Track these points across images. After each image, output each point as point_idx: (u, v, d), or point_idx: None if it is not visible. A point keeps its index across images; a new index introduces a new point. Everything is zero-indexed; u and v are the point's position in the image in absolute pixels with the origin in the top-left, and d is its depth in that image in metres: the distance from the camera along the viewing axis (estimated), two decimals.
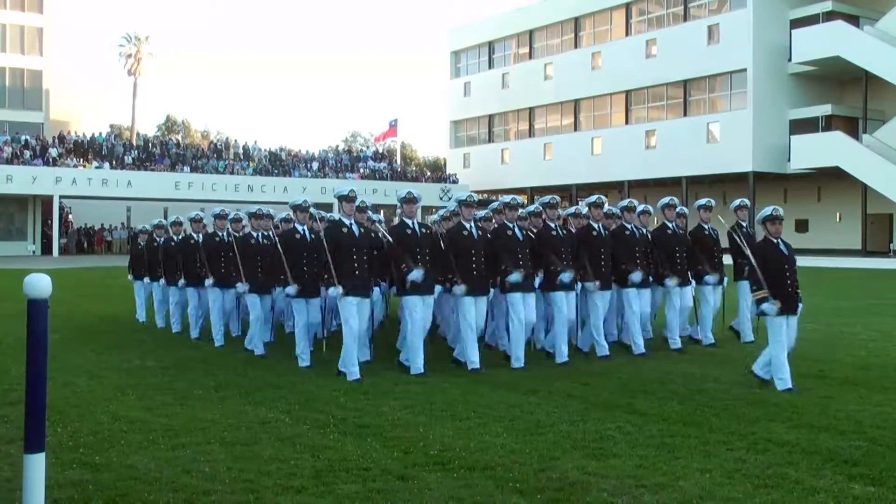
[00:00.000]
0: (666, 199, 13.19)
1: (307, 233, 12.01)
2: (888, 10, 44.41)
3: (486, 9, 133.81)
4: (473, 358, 11.04)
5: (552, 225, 12.01)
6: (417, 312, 10.94)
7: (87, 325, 16.63)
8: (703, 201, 13.62)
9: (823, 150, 44.83)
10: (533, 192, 57.51)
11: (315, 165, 63.27)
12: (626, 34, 55.22)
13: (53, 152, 54.41)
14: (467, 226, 11.45)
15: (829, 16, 45.76)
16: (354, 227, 10.90)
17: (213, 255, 13.81)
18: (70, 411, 8.55)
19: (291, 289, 11.66)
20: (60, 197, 53.02)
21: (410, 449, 7.13)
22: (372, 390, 9.85)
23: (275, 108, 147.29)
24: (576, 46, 58.47)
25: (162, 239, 15.89)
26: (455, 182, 62.58)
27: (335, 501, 5.79)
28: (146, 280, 16.55)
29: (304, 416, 8.38)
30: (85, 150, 56.46)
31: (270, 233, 13.22)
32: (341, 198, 10.95)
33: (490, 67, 65.62)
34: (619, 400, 9.14)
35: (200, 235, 14.60)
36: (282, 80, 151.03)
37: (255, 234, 13.14)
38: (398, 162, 73.64)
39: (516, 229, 11.63)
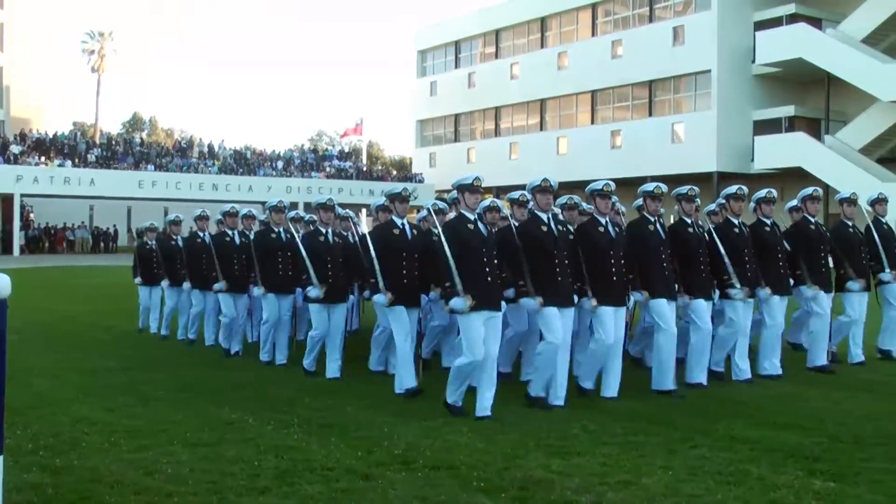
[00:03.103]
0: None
1: (330, 234, 11.11)
2: (850, 13, 44.82)
3: (453, 9, 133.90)
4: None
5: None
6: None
7: (49, 326, 16.49)
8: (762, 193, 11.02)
9: (786, 150, 45.19)
10: (499, 192, 57.57)
11: (280, 164, 63.05)
12: (592, 35, 55.37)
13: (15, 150, 53.78)
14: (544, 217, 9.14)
15: (793, 18, 46.10)
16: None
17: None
18: (30, 413, 8.44)
19: (314, 291, 10.62)
20: (21, 195, 52.45)
21: (374, 448, 7.11)
22: (337, 390, 9.83)
23: (240, 106, 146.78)
24: (542, 46, 58.56)
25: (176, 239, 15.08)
26: (421, 181, 62.54)
27: (299, 502, 5.77)
28: (165, 284, 15.01)
29: (268, 417, 8.34)
30: (47, 148, 55.88)
31: (249, 232, 12.89)
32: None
33: (456, 67, 65.59)
34: (583, 399, 9.17)
35: (207, 234, 13.89)
36: (248, 78, 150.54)
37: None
38: (364, 161, 73.51)
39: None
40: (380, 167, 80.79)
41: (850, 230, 11.80)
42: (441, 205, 11.54)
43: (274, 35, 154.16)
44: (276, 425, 7.99)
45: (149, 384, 10.28)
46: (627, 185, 9.12)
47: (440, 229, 8.70)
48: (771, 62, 46.48)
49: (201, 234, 13.69)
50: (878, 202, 12.23)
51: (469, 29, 63.92)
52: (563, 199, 10.07)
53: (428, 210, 10.91)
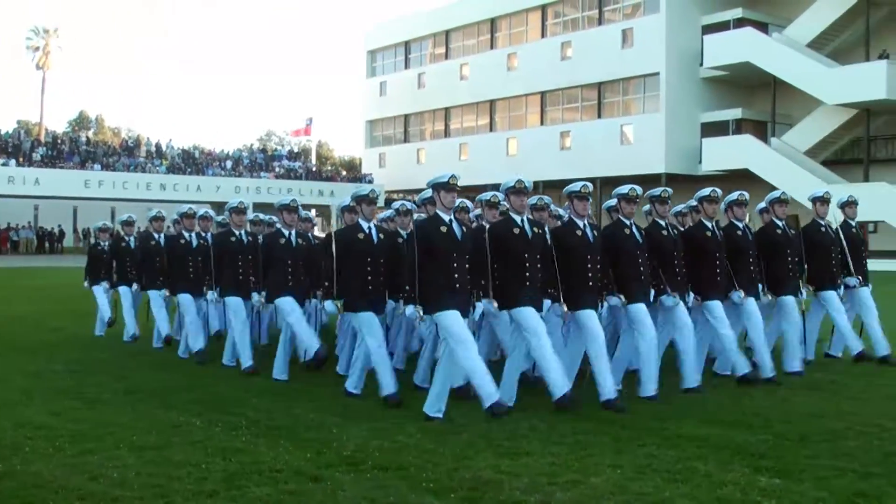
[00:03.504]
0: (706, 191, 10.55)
1: (293, 237, 10.81)
2: (796, 18, 45.49)
3: (403, 9, 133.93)
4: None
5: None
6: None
7: None
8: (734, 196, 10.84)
9: (734, 152, 45.73)
10: None
11: (229, 164, 62.66)
12: (542, 36, 55.61)
13: None
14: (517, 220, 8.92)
15: (740, 22, 46.65)
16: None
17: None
18: None
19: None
20: None
21: (323, 450, 7.08)
22: (285, 392, 9.78)
23: (189, 105, 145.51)
24: (492, 47, 58.71)
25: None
26: (370, 182, 62.44)
27: None
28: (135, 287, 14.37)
29: (216, 419, 8.27)
30: None
31: (206, 234, 12.66)
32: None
33: (406, 67, 65.58)
34: (532, 399, 9.18)
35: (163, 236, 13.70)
36: (196, 77, 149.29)
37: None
38: (313, 161, 73.25)
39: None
40: (329, 168, 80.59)
41: (822, 230, 11.57)
42: (410, 205, 11.17)
43: (222, 34, 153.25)
44: (224, 427, 7.93)
45: (95, 387, 10.15)
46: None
47: (412, 229, 8.55)
48: (718, 65, 47.02)
49: (156, 236, 13.44)
50: (848, 205, 12.04)
51: (419, 29, 63.93)
52: (532, 200, 9.55)
53: (396, 211, 10.70)
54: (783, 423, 8.07)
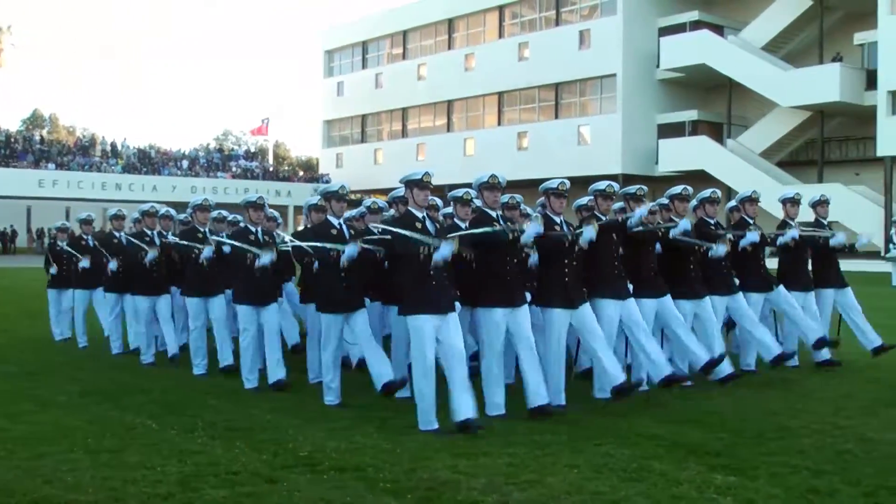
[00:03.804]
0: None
1: (260, 234, 10.41)
2: (751, 21, 45.96)
3: (360, 9, 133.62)
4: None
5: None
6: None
7: None
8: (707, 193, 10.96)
9: (690, 153, 46.10)
10: None
11: (185, 164, 62.23)
12: (500, 37, 55.74)
13: None
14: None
15: (696, 25, 47.05)
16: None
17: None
18: None
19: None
20: None
21: (280, 451, 7.05)
22: (242, 393, 9.73)
23: (145, 105, 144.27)
24: (449, 48, 58.75)
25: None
26: (328, 182, 62.21)
27: None
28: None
29: (172, 421, 8.21)
30: None
31: (167, 233, 12.39)
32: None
33: (363, 67, 65.46)
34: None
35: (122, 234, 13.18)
36: (152, 76, 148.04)
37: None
38: (270, 161, 72.94)
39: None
40: (286, 167, 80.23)
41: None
42: (381, 203, 10.89)
43: (178, 33, 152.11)
44: (180, 429, 7.87)
45: (49, 389, 10.04)
46: (533, 187, 9.01)
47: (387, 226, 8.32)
48: (675, 67, 47.41)
49: (117, 235, 13.13)
50: (820, 204, 11.77)
51: (376, 30, 63.88)
52: (504, 198, 9.10)
53: (367, 208, 10.50)
54: (738, 421, 8.14)
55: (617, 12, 48.31)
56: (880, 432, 7.74)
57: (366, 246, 8.88)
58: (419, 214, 8.17)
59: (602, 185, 9.36)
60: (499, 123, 56.01)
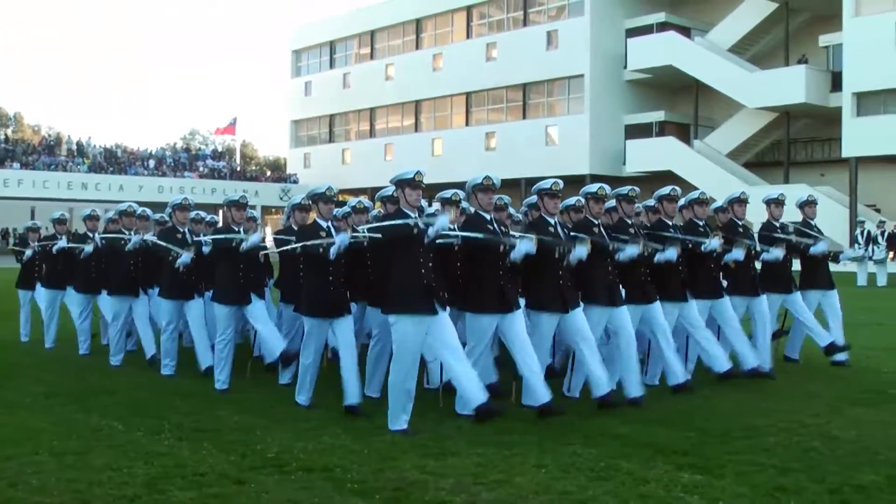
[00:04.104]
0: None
1: (242, 234, 10.09)
2: (718, 23, 46.25)
3: (328, 8, 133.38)
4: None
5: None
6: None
7: None
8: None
9: (657, 154, 46.31)
10: (373, 193, 57.51)
11: (152, 163, 61.85)
12: (467, 37, 55.76)
13: None
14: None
15: (663, 26, 47.27)
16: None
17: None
18: None
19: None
20: None
21: (248, 452, 7.03)
22: (210, 394, 9.68)
23: (111, 103, 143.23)
24: (417, 48, 58.73)
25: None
26: (295, 182, 62.11)
27: None
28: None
29: (138, 423, 8.15)
30: None
31: (143, 233, 12.11)
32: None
33: (331, 67, 65.30)
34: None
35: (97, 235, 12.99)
36: (119, 75, 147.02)
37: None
38: (238, 161, 72.65)
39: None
40: (254, 167, 80.00)
41: (779, 233, 11.30)
42: (367, 203, 10.65)
43: (145, 31, 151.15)
44: (147, 431, 7.82)
45: (13, 391, 9.94)
46: (501, 187, 8.92)
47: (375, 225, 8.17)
48: (642, 68, 47.61)
49: (91, 235, 12.89)
50: (808, 204, 11.76)
51: (344, 29, 63.75)
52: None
53: (352, 208, 10.32)
54: (705, 421, 8.19)
55: (584, 13, 48.45)
56: (845, 430, 7.81)
57: (356, 235, 8.78)
58: (411, 215, 7.95)
59: (593, 188, 9.25)
60: (467, 124, 56.03)
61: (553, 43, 50.42)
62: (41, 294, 14.02)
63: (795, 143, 45.93)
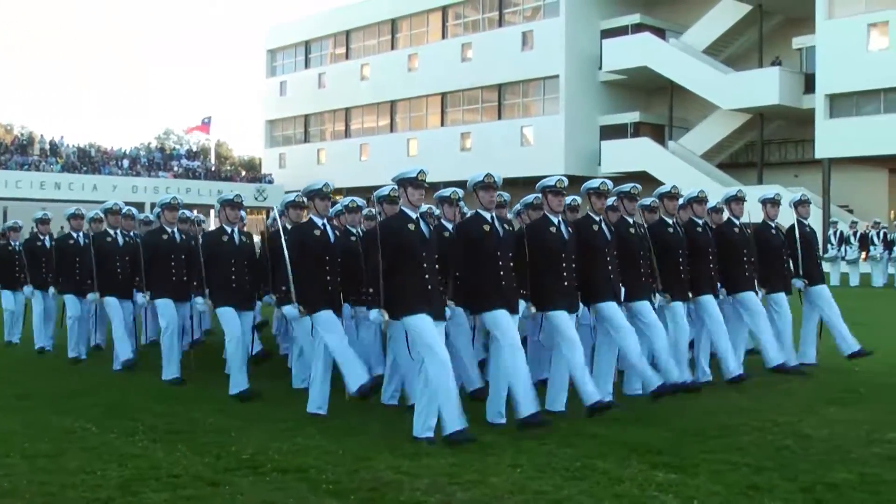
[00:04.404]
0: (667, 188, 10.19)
1: (237, 234, 9.98)
2: (692, 25, 46.45)
3: (303, 8, 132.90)
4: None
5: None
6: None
7: None
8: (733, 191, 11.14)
9: (632, 155, 46.43)
10: (349, 193, 57.35)
11: (126, 163, 61.50)
12: (443, 37, 55.74)
13: None
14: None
15: (638, 28, 47.42)
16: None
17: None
18: None
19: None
20: None
21: (222, 454, 7.00)
22: (185, 396, 9.64)
23: (84, 102, 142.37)
24: (392, 48, 58.66)
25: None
26: (271, 182, 61.90)
27: None
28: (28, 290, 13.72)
29: (112, 425, 8.11)
30: None
31: (131, 233, 12.03)
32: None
33: (306, 67, 65.14)
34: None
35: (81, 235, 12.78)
36: (93, 74, 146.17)
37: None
38: (212, 161, 72.35)
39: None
40: (229, 167, 79.64)
41: (773, 232, 11.28)
42: (359, 202, 10.37)
43: (118, 29, 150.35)
44: (120, 433, 7.78)
45: None
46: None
47: (375, 227, 7.92)
48: (617, 69, 47.72)
49: (75, 235, 12.66)
50: (801, 204, 11.74)
51: (319, 29, 63.60)
52: None
53: (345, 207, 10.11)
54: (679, 419, 8.23)
55: (560, 14, 48.53)
56: (817, 429, 7.87)
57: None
58: (413, 215, 7.77)
59: (595, 183, 9.07)
60: (442, 124, 56.02)
61: (528, 44, 50.48)
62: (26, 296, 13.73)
63: (769, 144, 46.17)
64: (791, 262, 11.45)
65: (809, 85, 41.55)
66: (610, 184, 9.14)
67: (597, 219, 8.94)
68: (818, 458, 6.89)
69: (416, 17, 57.38)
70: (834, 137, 39.29)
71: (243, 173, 71.55)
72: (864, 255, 29.33)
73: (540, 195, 8.90)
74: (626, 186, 9.54)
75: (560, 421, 8.16)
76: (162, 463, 6.76)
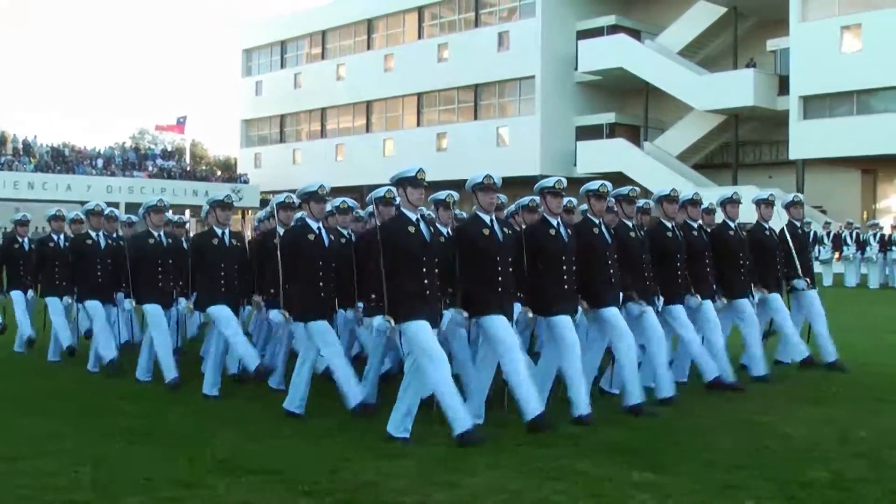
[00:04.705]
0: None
1: (227, 236, 9.75)
2: (667, 27, 46.65)
3: (279, 8, 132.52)
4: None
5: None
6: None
7: None
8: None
9: (608, 155, 46.57)
10: None
11: (100, 163, 61.16)
12: (419, 37, 55.74)
13: None
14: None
15: (613, 29, 47.57)
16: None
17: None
18: None
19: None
20: None
21: (197, 455, 6.96)
22: (161, 397, 9.59)
23: (57, 102, 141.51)
24: (368, 48, 58.60)
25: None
26: (246, 182, 61.72)
27: None
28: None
29: (88, 426, 8.07)
30: None
31: (113, 234, 11.76)
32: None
33: (282, 67, 64.99)
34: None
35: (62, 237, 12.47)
36: (67, 72, 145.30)
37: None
38: (188, 161, 72.06)
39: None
40: (204, 167, 79.33)
41: (766, 233, 11.16)
42: (351, 203, 10.12)
43: (93, 28, 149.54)
44: (96, 435, 7.74)
45: None
46: (453, 188, 8.73)
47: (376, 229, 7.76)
48: (592, 70, 47.85)
49: (55, 237, 12.34)
50: (794, 205, 11.73)
51: (295, 29, 63.48)
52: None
53: (336, 208, 9.85)
54: (655, 420, 8.27)
55: (535, 15, 48.63)
56: (792, 427, 7.93)
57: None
58: (413, 216, 7.59)
59: (595, 184, 8.88)
60: (418, 124, 56.03)
61: (504, 44, 50.55)
62: (13, 297, 13.27)
63: (744, 145, 46.41)
64: (787, 263, 11.40)
65: (783, 87, 41.82)
66: (609, 185, 9.03)
67: (596, 221, 8.84)
68: (794, 456, 6.94)
69: (392, 17, 57.36)
70: (807, 139, 39.57)
71: (218, 173, 71.27)
72: (837, 255, 29.56)
73: (535, 197, 8.82)
74: (625, 189, 9.41)
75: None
76: (137, 465, 6.72)
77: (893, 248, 28.50)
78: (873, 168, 42.77)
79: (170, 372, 10.20)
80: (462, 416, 7.36)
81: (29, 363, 12.30)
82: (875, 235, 28.86)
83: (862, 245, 28.89)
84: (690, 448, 7.19)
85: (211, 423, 8.15)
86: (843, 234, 29.42)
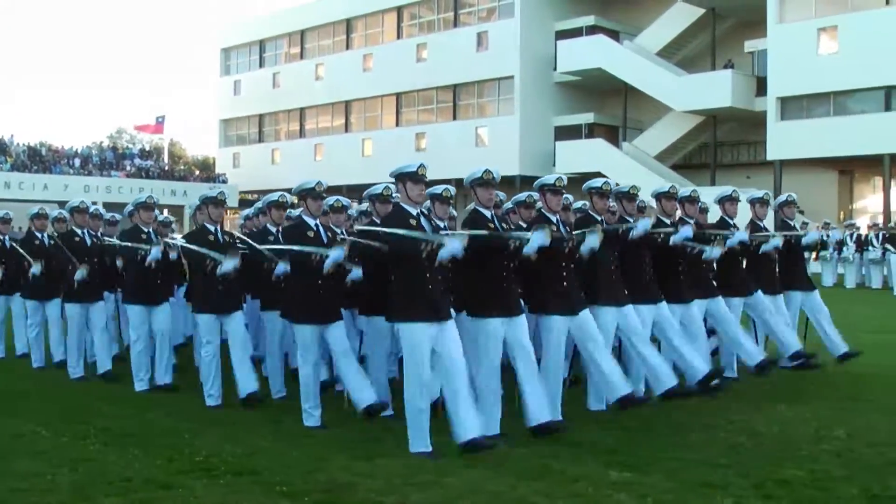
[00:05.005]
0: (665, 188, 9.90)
1: (220, 233, 9.49)
2: (646, 27, 46.79)
3: (257, 7, 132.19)
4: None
5: None
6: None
7: None
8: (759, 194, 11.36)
9: (586, 156, 46.66)
10: None
11: (78, 162, 60.84)
12: (398, 37, 55.71)
13: None
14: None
15: (592, 30, 47.68)
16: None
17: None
18: None
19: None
20: None
21: (175, 457, 6.95)
22: (138, 399, 9.56)
23: (34, 100, 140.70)
24: (347, 48, 58.52)
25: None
26: (225, 182, 61.51)
27: None
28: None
29: (64, 428, 8.02)
30: None
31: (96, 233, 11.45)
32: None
33: (261, 66, 64.83)
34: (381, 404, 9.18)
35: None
36: (44, 71, 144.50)
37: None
38: (166, 160, 71.78)
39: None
40: (182, 167, 79.01)
41: (763, 232, 11.07)
42: (345, 201, 9.80)
43: (73, 27, 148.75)
44: (72, 436, 7.70)
45: None
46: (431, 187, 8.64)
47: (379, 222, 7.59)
48: (571, 71, 47.94)
49: (39, 235, 12.08)
50: (787, 205, 11.74)
51: (273, 29, 63.34)
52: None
53: (330, 206, 9.48)
54: (632, 418, 8.28)
55: (514, 15, 48.68)
56: (768, 426, 7.98)
57: (357, 242, 8.17)
58: (413, 211, 7.41)
59: (597, 182, 8.82)
60: (397, 124, 55.99)
61: (483, 44, 50.59)
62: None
63: (722, 145, 46.59)
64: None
65: (761, 88, 42.01)
66: (612, 183, 8.96)
67: (599, 219, 8.73)
68: (769, 454, 7.00)
69: (371, 17, 57.30)
70: (785, 139, 39.77)
71: (197, 173, 71.03)
72: (814, 254, 29.71)
73: (533, 193, 8.72)
74: (625, 187, 9.35)
75: (514, 421, 7.85)
76: (114, 466, 6.70)
77: (870, 248, 28.68)
78: (850, 169, 43.03)
79: (105, 364, 10.71)
80: (421, 438, 7.13)
81: (5, 364, 12.23)
82: (851, 236, 29.02)
83: (839, 245, 29.05)
84: (668, 447, 7.22)
85: (188, 424, 8.13)
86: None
